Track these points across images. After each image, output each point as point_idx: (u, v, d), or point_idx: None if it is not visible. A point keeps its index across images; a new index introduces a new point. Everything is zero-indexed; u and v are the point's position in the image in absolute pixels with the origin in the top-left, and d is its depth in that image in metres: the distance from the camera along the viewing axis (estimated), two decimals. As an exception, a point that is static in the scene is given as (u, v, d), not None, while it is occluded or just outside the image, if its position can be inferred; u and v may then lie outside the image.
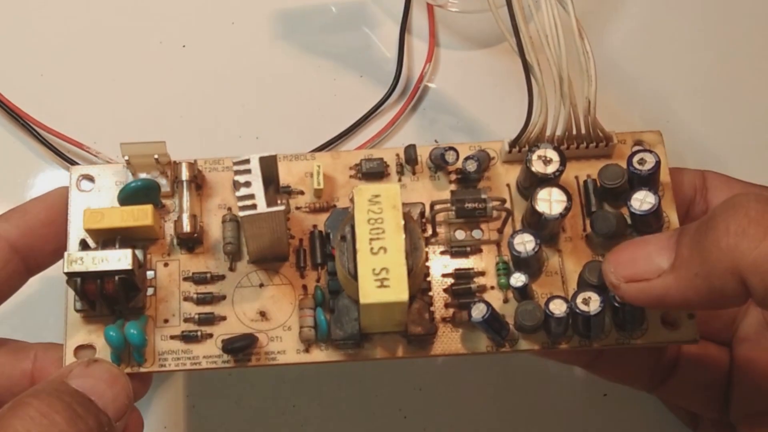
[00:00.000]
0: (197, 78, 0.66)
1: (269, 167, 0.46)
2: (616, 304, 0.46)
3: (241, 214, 0.45)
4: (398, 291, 0.44)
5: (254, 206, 0.45)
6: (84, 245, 0.48)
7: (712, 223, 0.41)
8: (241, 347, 0.47)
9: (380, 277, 0.44)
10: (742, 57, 0.68)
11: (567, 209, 0.47)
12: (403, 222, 0.45)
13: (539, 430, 0.61)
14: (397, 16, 0.67)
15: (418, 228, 0.47)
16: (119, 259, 0.46)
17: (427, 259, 0.48)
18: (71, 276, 0.46)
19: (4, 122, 0.65)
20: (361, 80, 0.67)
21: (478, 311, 0.46)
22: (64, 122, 0.64)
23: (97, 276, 0.46)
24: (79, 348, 0.48)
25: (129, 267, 0.46)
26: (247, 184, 0.45)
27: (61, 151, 0.63)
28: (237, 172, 0.45)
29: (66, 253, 0.46)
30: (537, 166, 0.47)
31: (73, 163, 0.63)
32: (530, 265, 0.48)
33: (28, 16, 0.68)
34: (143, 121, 0.65)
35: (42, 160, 0.64)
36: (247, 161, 0.45)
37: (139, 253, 0.48)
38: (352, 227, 0.45)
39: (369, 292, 0.44)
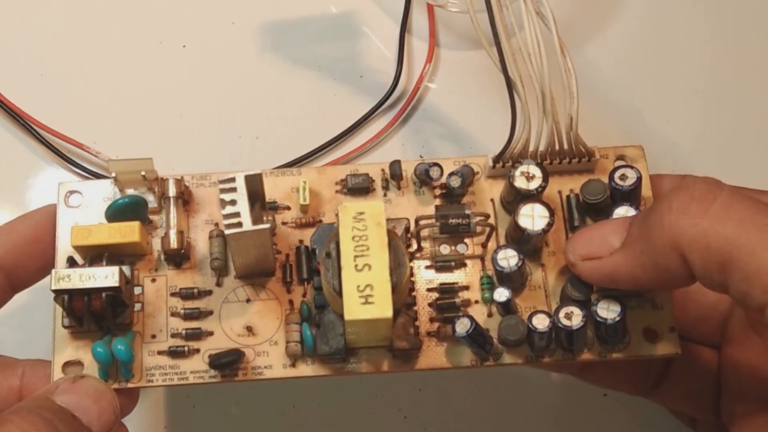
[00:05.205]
0: (197, 78, 0.66)
1: (255, 185, 0.46)
2: (598, 319, 0.46)
3: (227, 232, 0.45)
4: (383, 308, 0.44)
5: (240, 224, 0.45)
6: (72, 262, 0.48)
7: (658, 203, 0.43)
8: (228, 363, 0.47)
9: (365, 294, 0.44)
10: (729, 64, 0.68)
11: (549, 225, 0.47)
12: (387, 239, 0.45)
13: (539, 431, 0.61)
14: (397, 16, 0.67)
15: (402, 244, 0.47)
16: (106, 276, 0.46)
17: (411, 275, 0.49)
18: (58, 293, 0.46)
19: (4, 122, 0.65)
20: (361, 80, 0.67)
21: (462, 326, 0.46)
22: (64, 122, 0.64)
23: (85, 293, 0.46)
24: (67, 364, 0.48)
25: (116, 284, 0.46)
26: (233, 202, 0.45)
27: (61, 151, 0.64)
28: (222, 191, 0.45)
29: (53, 271, 0.46)
30: (520, 182, 0.48)
31: (73, 163, 0.63)
32: (513, 280, 0.48)
33: (28, 16, 0.68)
34: (143, 121, 0.65)
35: (42, 160, 0.64)
36: (233, 180, 0.45)
37: (126, 269, 0.48)
38: (337, 244, 0.45)
39: (354, 309, 0.44)
